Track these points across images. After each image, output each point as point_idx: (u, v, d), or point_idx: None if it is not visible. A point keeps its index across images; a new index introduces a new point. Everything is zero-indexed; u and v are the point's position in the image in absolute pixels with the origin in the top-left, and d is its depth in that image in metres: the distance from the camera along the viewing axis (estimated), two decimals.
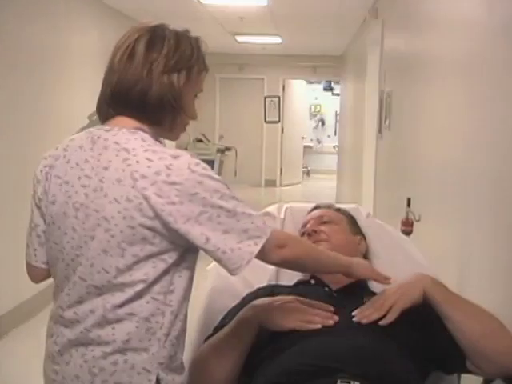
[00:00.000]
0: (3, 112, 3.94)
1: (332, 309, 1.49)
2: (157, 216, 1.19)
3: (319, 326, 1.45)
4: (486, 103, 2.03)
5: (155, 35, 1.30)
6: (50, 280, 1.43)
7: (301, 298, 1.53)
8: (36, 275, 1.41)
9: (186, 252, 1.27)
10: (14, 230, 3.98)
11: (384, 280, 1.54)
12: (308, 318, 1.46)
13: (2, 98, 3.93)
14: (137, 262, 1.22)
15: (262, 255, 1.28)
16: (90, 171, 1.26)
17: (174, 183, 1.19)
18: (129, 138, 1.25)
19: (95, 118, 1.88)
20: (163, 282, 1.25)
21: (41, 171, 1.34)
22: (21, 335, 3.95)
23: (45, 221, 1.34)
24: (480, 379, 1.48)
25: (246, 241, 1.24)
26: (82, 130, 1.89)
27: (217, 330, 1.57)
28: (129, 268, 1.22)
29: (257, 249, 1.25)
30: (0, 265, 3.90)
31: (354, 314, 1.47)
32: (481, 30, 2.12)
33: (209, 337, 1.57)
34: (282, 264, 1.42)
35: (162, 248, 1.23)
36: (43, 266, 1.37)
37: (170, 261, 1.24)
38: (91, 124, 1.88)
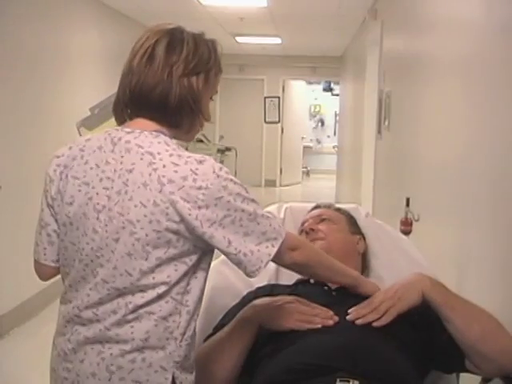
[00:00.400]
0: (5, 112, 3.95)
1: (331, 312, 1.49)
2: (182, 220, 1.20)
3: (319, 326, 1.45)
4: (484, 103, 2.04)
5: (174, 38, 1.31)
6: (51, 280, 1.44)
7: (300, 299, 1.54)
8: (44, 273, 1.41)
9: (204, 254, 1.29)
10: (14, 229, 3.99)
11: None
12: (308, 319, 1.47)
13: (4, 97, 3.94)
14: (159, 265, 1.23)
15: (276, 257, 1.29)
16: (111, 173, 1.26)
17: (200, 188, 1.20)
18: (152, 142, 1.26)
19: (97, 110, 1.89)
20: (182, 283, 1.26)
21: (54, 170, 1.33)
22: (21, 335, 3.95)
23: (56, 220, 1.33)
24: (478, 378, 1.49)
25: (264, 243, 1.26)
26: (83, 120, 1.90)
27: (217, 329, 1.58)
28: (151, 270, 1.23)
29: (274, 250, 1.27)
30: (0, 265, 3.91)
31: (349, 311, 1.48)
32: (480, 31, 2.13)
33: (209, 336, 1.58)
34: (293, 267, 1.42)
35: (183, 250, 1.24)
36: (52, 265, 1.37)
37: (190, 263, 1.26)
38: (92, 116, 1.89)
